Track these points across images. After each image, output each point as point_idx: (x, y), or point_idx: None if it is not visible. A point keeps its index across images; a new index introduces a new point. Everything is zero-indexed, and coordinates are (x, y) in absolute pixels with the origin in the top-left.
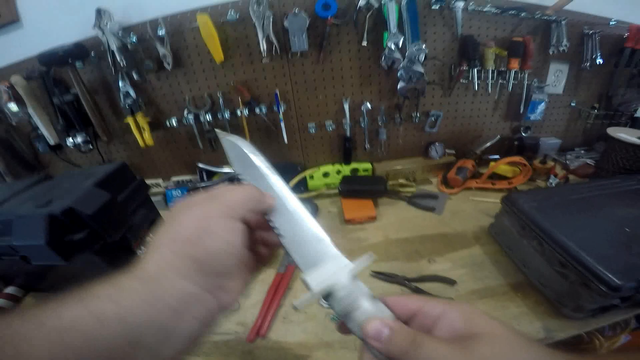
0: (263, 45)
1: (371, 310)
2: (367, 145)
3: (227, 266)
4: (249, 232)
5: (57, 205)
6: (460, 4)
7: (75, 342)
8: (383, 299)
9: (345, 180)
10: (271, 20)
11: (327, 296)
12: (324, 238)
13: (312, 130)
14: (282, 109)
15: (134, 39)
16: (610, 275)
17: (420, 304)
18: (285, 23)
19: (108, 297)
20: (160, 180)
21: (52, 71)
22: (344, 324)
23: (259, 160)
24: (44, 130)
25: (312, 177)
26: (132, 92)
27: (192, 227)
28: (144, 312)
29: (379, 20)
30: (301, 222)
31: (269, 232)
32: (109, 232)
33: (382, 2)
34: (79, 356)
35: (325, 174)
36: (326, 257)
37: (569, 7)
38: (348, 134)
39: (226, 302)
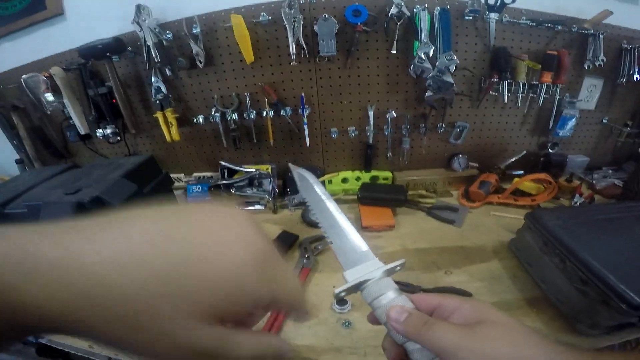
0: (292, 48)
1: (395, 299)
2: (389, 154)
3: None
4: None
5: (85, 194)
6: (495, 16)
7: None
8: (409, 295)
9: (364, 187)
10: (301, 23)
11: (362, 288)
12: (364, 246)
13: (334, 135)
14: (306, 112)
15: (170, 36)
16: (631, 294)
17: (440, 299)
18: (315, 27)
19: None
20: (182, 175)
21: (90, 64)
22: (373, 314)
23: (319, 189)
24: (76, 120)
25: (330, 182)
26: (163, 88)
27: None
28: None
29: (410, 29)
30: (347, 234)
31: None
32: None
33: (415, 11)
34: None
35: (344, 180)
36: (364, 260)
37: (607, 20)
38: (370, 141)
39: None
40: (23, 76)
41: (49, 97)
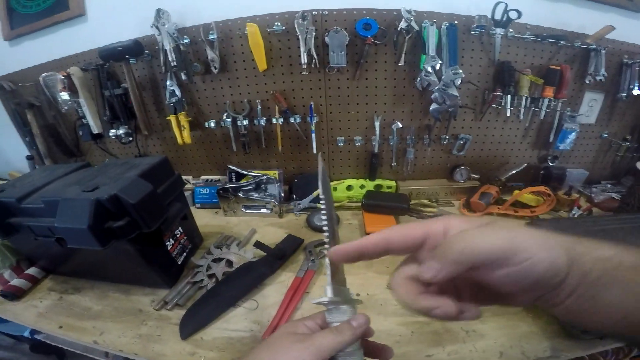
0: (304, 58)
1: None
2: (394, 163)
3: None
4: None
5: (103, 191)
6: (501, 31)
7: None
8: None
9: (369, 195)
10: (314, 35)
11: (335, 307)
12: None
13: (341, 144)
14: (314, 121)
15: (187, 41)
16: None
17: (425, 229)
18: (327, 39)
19: None
20: (190, 177)
21: (108, 65)
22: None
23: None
24: (90, 119)
25: (335, 189)
26: (177, 92)
27: None
28: None
29: (418, 42)
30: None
31: None
32: (147, 222)
33: (423, 25)
34: None
35: (349, 187)
36: (344, 284)
37: (609, 35)
38: (376, 150)
39: None
40: (41, 75)
41: (65, 96)
